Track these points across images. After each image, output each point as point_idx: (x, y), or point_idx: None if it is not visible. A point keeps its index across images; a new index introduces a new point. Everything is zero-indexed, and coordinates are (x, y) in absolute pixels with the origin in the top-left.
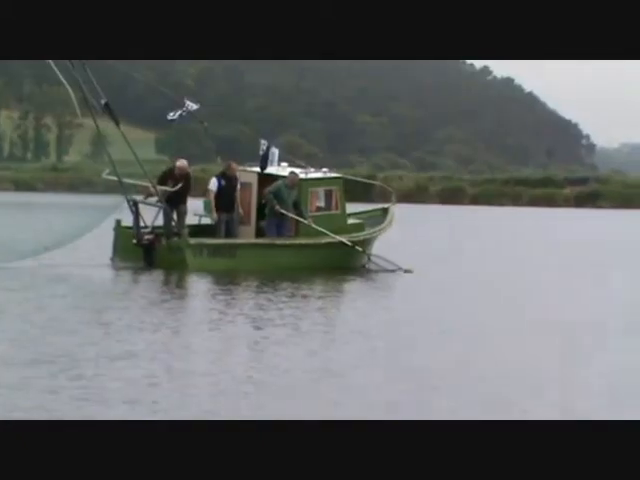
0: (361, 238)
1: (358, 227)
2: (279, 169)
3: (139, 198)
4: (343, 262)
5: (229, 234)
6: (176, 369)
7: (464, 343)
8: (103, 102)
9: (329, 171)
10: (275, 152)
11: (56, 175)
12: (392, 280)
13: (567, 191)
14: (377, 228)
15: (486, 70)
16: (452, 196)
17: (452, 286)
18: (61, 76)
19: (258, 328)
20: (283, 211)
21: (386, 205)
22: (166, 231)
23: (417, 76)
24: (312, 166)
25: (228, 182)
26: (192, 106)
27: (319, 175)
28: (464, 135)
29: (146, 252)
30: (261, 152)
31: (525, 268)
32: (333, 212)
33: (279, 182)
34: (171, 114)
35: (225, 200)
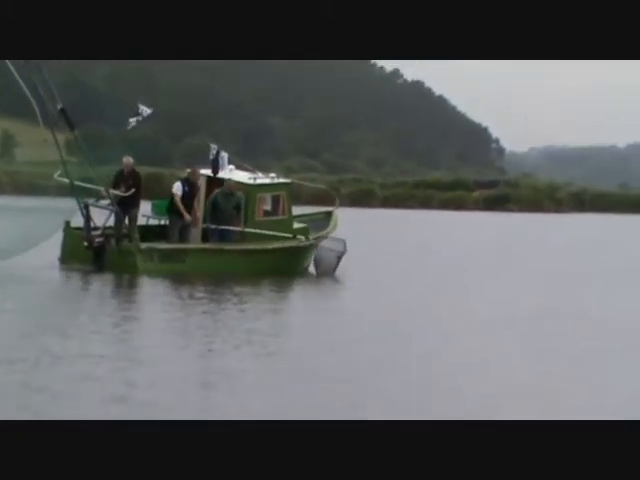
0: (307, 243)
1: (304, 231)
2: (228, 173)
3: (90, 201)
4: (290, 267)
5: (183, 238)
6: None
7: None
8: (59, 107)
9: (277, 176)
10: (225, 156)
11: None
12: (334, 284)
13: (476, 194)
14: (323, 232)
15: (397, 73)
16: (363, 199)
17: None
18: (20, 80)
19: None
20: (212, 226)
21: (329, 209)
22: (116, 234)
23: (328, 78)
24: (260, 171)
25: (190, 187)
26: (146, 111)
27: (267, 181)
28: (375, 138)
29: (96, 255)
30: (211, 156)
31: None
32: (280, 217)
33: (215, 192)
34: (131, 122)
35: (184, 205)
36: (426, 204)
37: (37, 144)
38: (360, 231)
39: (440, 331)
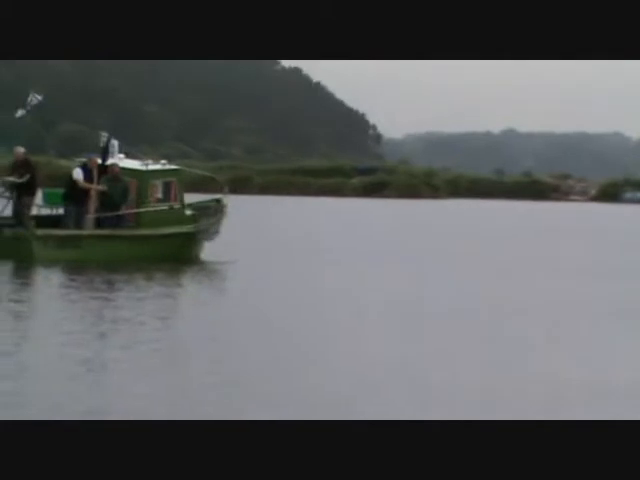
0: (200, 229)
1: (194, 218)
2: (118, 161)
3: None
4: (182, 253)
5: (78, 226)
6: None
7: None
8: None
9: (167, 163)
10: (115, 144)
11: None
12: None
13: (355, 181)
14: (213, 219)
15: (274, 60)
16: (240, 185)
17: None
18: None
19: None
20: (102, 214)
21: (217, 196)
22: (16, 221)
23: (202, 65)
24: (150, 158)
25: (87, 174)
26: (36, 98)
27: (159, 167)
28: (252, 125)
29: None
30: (102, 144)
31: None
32: (172, 204)
33: (102, 178)
34: (19, 112)
35: (79, 192)
36: (304, 191)
37: None
38: (241, 218)
39: (320, 320)
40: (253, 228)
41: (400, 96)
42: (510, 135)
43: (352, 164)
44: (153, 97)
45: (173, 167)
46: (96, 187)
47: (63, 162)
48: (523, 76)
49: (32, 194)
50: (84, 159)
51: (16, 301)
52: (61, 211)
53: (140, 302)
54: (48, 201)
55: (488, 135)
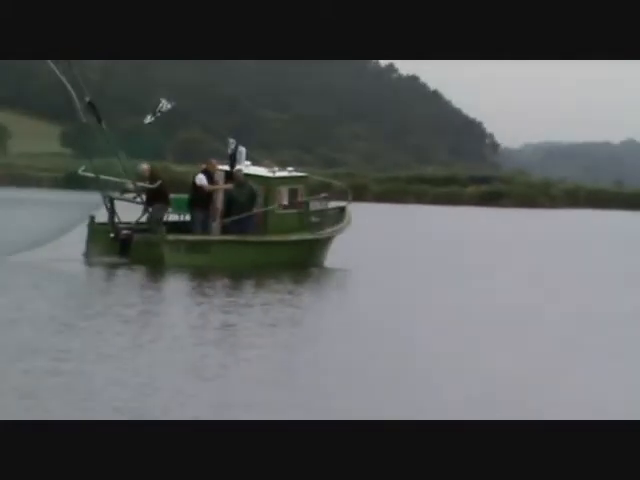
0: (325, 236)
1: (320, 225)
2: (246, 167)
3: (115, 194)
4: (308, 259)
5: (205, 231)
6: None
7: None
8: (87, 100)
9: (294, 170)
10: (243, 151)
11: None
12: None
13: (471, 190)
14: (338, 227)
15: (391, 68)
16: (356, 193)
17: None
18: (63, 77)
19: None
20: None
21: (342, 204)
22: (148, 227)
23: (321, 72)
24: (277, 165)
25: (209, 179)
26: (167, 105)
27: (285, 174)
28: (368, 132)
29: (122, 247)
30: (229, 151)
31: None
32: (298, 210)
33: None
34: (148, 119)
35: (204, 197)
36: (420, 199)
37: (31, 135)
38: (360, 225)
39: (439, 329)
40: (372, 235)
41: (518, 105)
42: (630, 145)
43: (468, 173)
44: (270, 103)
45: (299, 174)
46: (223, 186)
47: (181, 168)
48: None
49: (164, 201)
50: (204, 165)
51: (141, 304)
52: (187, 217)
53: (265, 307)
54: (175, 207)
55: (607, 145)
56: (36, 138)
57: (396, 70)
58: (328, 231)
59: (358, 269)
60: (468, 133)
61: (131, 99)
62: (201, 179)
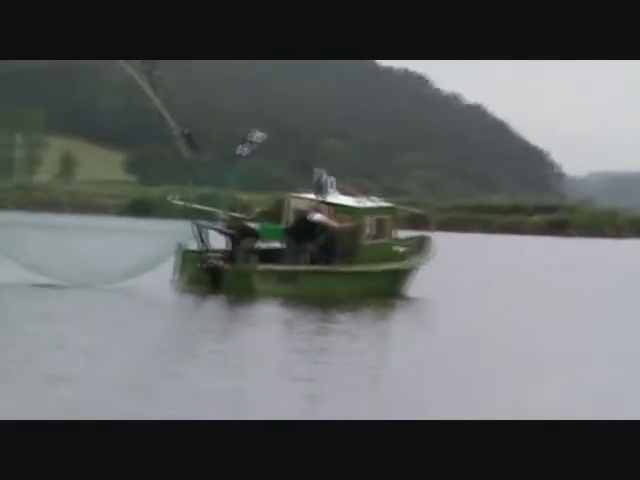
0: (411, 266)
1: (405, 255)
2: (333, 197)
3: (205, 223)
4: (394, 289)
5: (296, 261)
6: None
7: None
8: (185, 131)
9: (380, 200)
10: (331, 181)
11: (26, 194)
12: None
13: (535, 219)
14: (424, 256)
15: (453, 96)
16: (419, 222)
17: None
18: (164, 111)
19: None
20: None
21: (424, 233)
22: (232, 256)
23: (382, 100)
24: (364, 194)
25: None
26: (258, 135)
27: (372, 204)
28: (430, 161)
29: (213, 276)
30: (315, 181)
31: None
32: (385, 240)
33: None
34: (241, 149)
35: (300, 228)
36: (485, 228)
37: (97, 163)
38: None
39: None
40: (444, 264)
41: (583, 134)
42: None
43: (533, 202)
44: (332, 131)
45: (386, 204)
46: (340, 226)
47: (246, 196)
48: None
49: (254, 233)
50: (308, 196)
51: (221, 332)
52: (274, 245)
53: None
54: (264, 235)
55: None
56: (100, 165)
57: (461, 98)
58: (415, 261)
59: (441, 299)
60: (534, 162)
61: (197, 129)
62: (318, 217)
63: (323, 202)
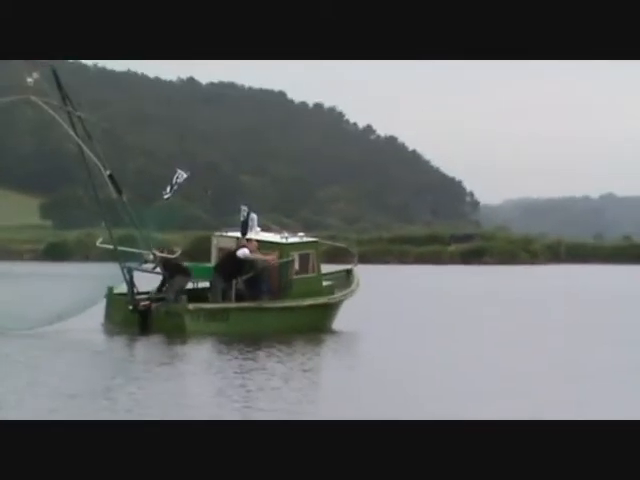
0: (337, 300)
1: (332, 289)
2: (257, 234)
3: (132, 265)
4: (322, 323)
5: (225, 299)
6: None
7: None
8: (108, 173)
9: (304, 235)
10: (254, 217)
11: None
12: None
13: (452, 248)
14: (349, 290)
15: (369, 129)
16: (338, 255)
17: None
18: (89, 152)
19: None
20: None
21: (348, 266)
22: (166, 296)
23: (298, 135)
24: (287, 230)
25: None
26: (182, 175)
27: (297, 240)
28: (348, 194)
29: (142, 318)
30: (242, 218)
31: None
32: (310, 275)
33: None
34: (166, 193)
35: (228, 265)
36: (402, 259)
37: (10, 208)
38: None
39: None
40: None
41: (497, 163)
42: (609, 199)
43: (450, 231)
44: (248, 168)
45: (311, 239)
46: (272, 260)
47: (161, 236)
48: (619, 137)
49: (184, 272)
50: (234, 234)
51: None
52: (201, 284)
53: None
54: (194, 275)
55: (587, 200)
56: (14, 210)
57: (374, 131)
58: (341, 294)
59: (366, 330)
60: (448, 192)
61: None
62: (245, 253)
63: (248, 239)
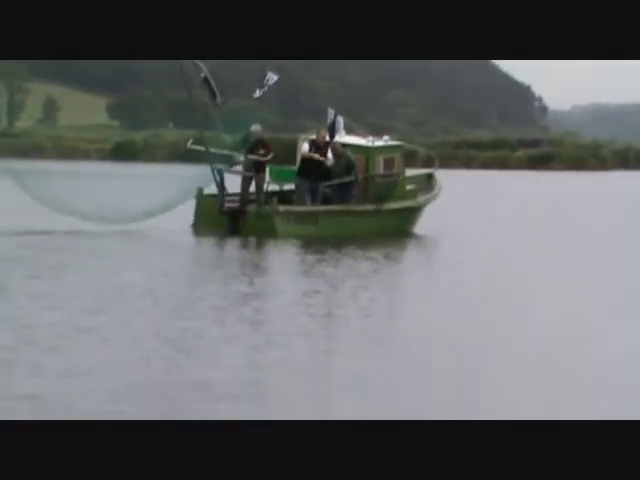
0: (422, 203)
1: (415, 193)
2: (344, 137)
3: (223, 166)
4: (407, 227)
5: (312, 201)
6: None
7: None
8: (202, 75)
9: (390, 139)
10: (341, 121)
11: (8, 141)
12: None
13: (519, 154)
14: (432, 193)
15: None
16: (406, 159)
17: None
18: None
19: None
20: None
21: (429, 170)
22: (242, 198)
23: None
24: (371, 134)
25: (318, 150)
26: (273, 78)
27: (382, 143)
28: (415, 99)
29: (231, 219)
30: (329, 121)
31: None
32: (396, 179)
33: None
34: (257, 93)
35: (312, 167)
36: (468, 164)
37: (79, 109)
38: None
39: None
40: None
41: (567, 67)
42: None
43: (517, 136)
44: (317, 72)
45: (396, 143)
46: (318, 157)
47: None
48: None
49: (264, 171)
50: (313, 136)
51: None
52: (287, 187)
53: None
54: (275, 178)
55: None
56: (83, 110)
57: None
58: (426, 198)
59: (448, 236)
60: (516, 97)
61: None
62: (305, 149)
63: (334, 142)
